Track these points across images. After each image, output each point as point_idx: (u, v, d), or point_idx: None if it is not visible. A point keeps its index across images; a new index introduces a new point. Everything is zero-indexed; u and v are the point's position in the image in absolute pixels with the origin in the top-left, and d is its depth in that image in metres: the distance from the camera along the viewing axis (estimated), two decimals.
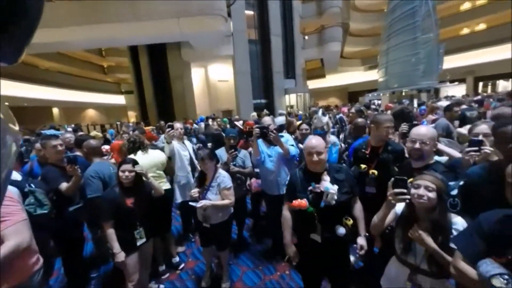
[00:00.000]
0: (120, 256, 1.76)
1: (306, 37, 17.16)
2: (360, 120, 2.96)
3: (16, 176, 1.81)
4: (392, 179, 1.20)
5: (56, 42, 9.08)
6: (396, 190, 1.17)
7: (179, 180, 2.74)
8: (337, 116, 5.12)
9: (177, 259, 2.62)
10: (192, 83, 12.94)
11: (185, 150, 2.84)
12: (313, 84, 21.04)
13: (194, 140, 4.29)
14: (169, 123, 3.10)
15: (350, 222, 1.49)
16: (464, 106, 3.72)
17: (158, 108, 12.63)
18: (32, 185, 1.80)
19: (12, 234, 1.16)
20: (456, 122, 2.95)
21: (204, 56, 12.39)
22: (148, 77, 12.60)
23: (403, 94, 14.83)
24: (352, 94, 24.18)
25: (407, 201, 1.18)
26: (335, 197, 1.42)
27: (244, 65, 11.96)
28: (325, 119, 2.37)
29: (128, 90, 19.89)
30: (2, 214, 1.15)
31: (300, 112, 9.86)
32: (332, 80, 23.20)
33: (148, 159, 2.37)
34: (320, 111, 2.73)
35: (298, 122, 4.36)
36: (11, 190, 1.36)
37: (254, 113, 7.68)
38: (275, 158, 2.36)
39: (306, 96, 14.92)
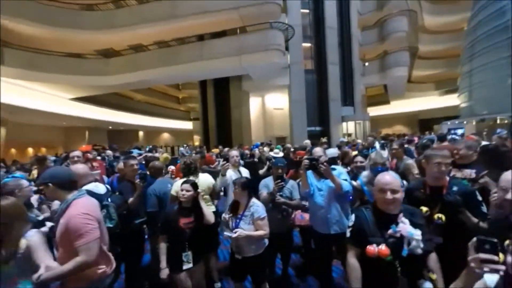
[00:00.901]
0: (164, 272, 1.84)
1: (367, 64, 16.47)
2: None
3: (100, 189, 2.22)
4: (475, 239, 0.86)
5: (148, 80, 11.48)
6: (483, 256, 0.82)
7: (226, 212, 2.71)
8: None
9: (219, 284, 2.61)
10: (249, 111, 13.84)
11: None
12: (375, 111, 19.48)
13: None
14: (225, 154, 3.25)
15: (434, 277, 1.23)
16: None
17: (218, 133, 13.84)
18: (109, 199, 2.18)
19: (84, 251, 1.33)
20: None
21: (262, 86, 13.26)
22: (212, 106, 14.17)
23: (498, 122, 12.10)
24: (423, 122, 21.17)
25: (502, 273, 0.81)
26: (421, 244, 1.20)
27: (299, 94, 12.21)
28: (385, 153, 2.12)
29: (196, 117, 22.67)
30: (81, 231, 1.35)
31: (359, 141, 9.14)
32: (398, 106, 20.99)
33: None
34: (377, 144, 2.44)
35: (355, 153, 4.04)
36: (93, 204, 1.56)
37: (308, 141, 7.53)
38: (325, 192, 2.20)
39: (366, 123, 13.89)
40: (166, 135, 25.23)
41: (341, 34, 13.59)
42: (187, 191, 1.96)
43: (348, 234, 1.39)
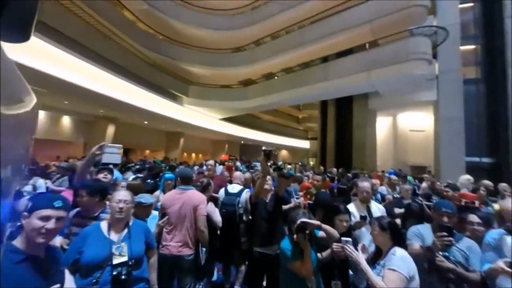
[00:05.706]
0: None
1: None
2: None
3: (234, 189, 2.69)
4: None
5: (275, 102, 12.90)
6: None
7: None
8: None
9: None
10: (375, 132, 12.18)
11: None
12: None
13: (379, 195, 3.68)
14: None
15: None
16: None
17: (336, 154, 13.07)
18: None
19: None
20: None
21: (393, 104, 11.39)
22: (332, 126, 13.68)
23: None
24: None
25: None
26: None
27: (452, 111, 9.31)
28: None
29: (313, 137, 22.86)
30: None
31: None
32: None
33: None
34: None
35: None
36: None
37: (468, 176, 5.45)
38: None
39: None
40: (284, 152, 27.07)
41: None
42: None
43: None
